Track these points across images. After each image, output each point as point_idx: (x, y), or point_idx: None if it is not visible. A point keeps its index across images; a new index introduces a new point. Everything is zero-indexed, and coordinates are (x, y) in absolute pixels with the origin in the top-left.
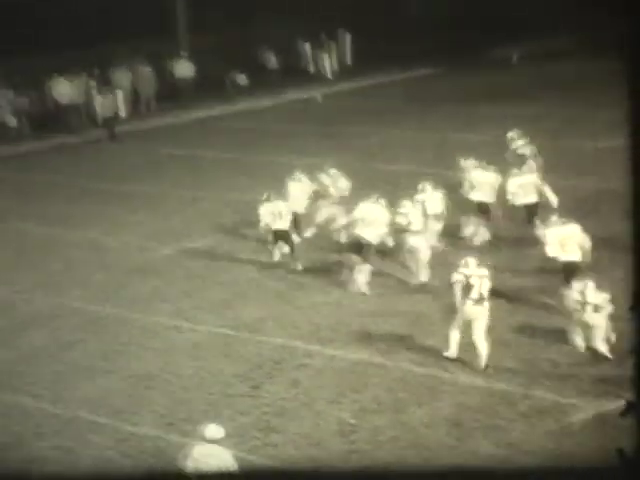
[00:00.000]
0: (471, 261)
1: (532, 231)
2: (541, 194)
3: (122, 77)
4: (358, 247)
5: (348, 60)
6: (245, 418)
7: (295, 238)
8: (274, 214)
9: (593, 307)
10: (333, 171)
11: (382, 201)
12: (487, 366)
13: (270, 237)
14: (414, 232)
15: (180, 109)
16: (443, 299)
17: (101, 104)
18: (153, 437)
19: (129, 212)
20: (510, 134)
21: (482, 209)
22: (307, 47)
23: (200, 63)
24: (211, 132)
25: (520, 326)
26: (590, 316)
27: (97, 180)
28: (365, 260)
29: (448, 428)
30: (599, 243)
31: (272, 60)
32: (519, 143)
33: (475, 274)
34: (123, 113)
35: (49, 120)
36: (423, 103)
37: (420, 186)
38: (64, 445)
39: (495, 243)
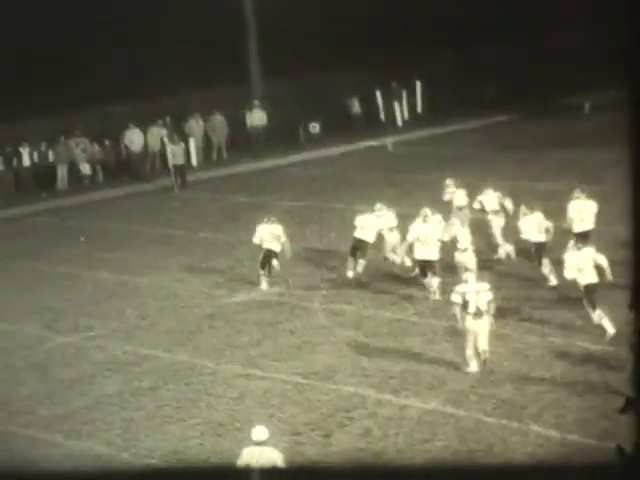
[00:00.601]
0: (470, 278)
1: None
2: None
3: (194, 125)
4: (424, 267)
5: (419, 108)
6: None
7: (362, 263)
8: (271, 234)
9: None
10: (378, 206)
11: (430, 217)
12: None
13: (260, 256)
14: (461, 250)
15: (252, 157)
16: (514, 344)
17: (172, 152)
18: None
19: (201, 260)
20: (447, 181)
21: (583, 237)
22: (378, 95)
23: (273, 111)
24: (283, 180)
25: (589, 371)
26: None
27: (169, 228)
28: (433, 275)
29: (522, 479)
30: None
31: (356, 106)
32: (451, 190)
33: (471, 290)
34: (195, 161)
35: (122, 168)
36: (495, 150)
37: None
38: None
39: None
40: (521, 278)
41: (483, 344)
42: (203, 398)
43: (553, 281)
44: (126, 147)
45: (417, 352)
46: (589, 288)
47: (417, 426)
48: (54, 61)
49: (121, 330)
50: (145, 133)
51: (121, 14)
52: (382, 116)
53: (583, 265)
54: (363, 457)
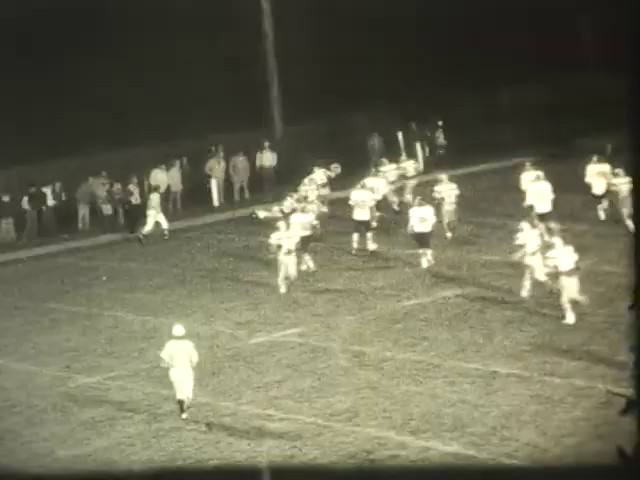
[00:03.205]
0: (282, 227)
1: None
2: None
3: (216, 166)
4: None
5: (440, 149)
6: None
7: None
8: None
9: None
10: None
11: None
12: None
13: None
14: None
15: (269, 199)
16: (536, 386)
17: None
18: None
19: (222, 300)
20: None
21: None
22: (400, 136)
23: (292, 153)
24: None
25: (612, 413)
26: None
27: (190, 269)
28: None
29: None
30: None
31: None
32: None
33: (283, 236)
34: (216, 202)
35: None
36: (516, 192)
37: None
38: None
39: None
40: (541, 316)
41: (293, 273)
42: (223, 439)
43: (311, 267)
44: (150, 186)
45: (438, 394)
46: (420, 235)
47: (439, 468)
48: (78, 104)
49: (142, 371)
50: (166, 173)
51: (145, 57)
52: (403, 157)
53: (423, 218)
54: None
